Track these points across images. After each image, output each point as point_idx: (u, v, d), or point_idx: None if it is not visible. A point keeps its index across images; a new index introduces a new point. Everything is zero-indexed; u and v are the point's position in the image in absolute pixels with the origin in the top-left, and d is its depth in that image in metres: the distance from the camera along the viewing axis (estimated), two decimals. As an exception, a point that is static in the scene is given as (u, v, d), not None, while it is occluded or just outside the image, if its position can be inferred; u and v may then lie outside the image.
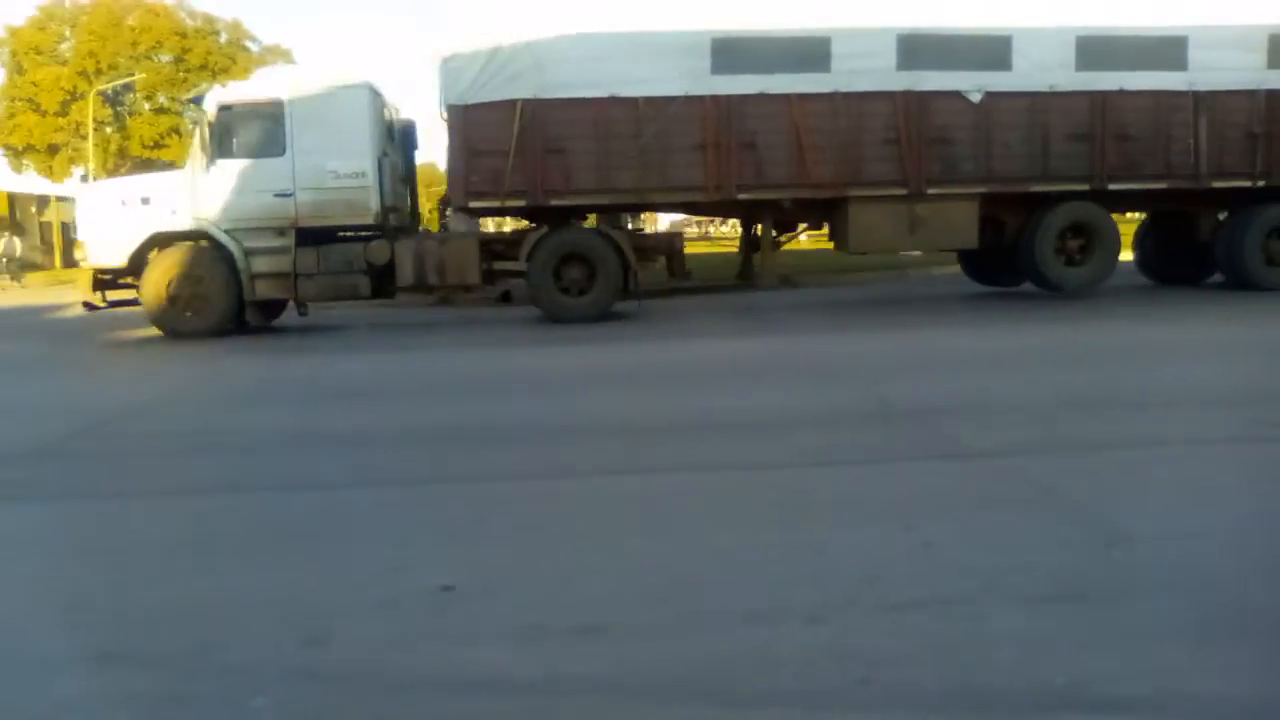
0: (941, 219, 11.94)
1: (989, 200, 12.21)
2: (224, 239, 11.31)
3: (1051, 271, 12.23)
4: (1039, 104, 11.71)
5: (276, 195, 11.27)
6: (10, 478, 4.90)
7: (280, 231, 11.39)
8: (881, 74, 11.48)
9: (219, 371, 9.27)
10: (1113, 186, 12.02)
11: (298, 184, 11.27)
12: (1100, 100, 11.77)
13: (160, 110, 40.91)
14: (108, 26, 39.13)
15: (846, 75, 11.44)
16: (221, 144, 11.27)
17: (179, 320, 11.38)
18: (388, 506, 4.12)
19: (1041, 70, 11.64)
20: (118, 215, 11.35)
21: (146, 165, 35.67)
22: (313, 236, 11.49)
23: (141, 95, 40.95)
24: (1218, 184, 12.16)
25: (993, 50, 11.62)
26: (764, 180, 11.67)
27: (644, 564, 3.29)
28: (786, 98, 11.41)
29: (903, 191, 11.74)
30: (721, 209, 14.00)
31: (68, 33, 40.28)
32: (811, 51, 11.43)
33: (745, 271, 13.26)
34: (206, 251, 11.36)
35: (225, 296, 11.41)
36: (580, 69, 11.14)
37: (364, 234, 11.70)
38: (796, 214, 12.66)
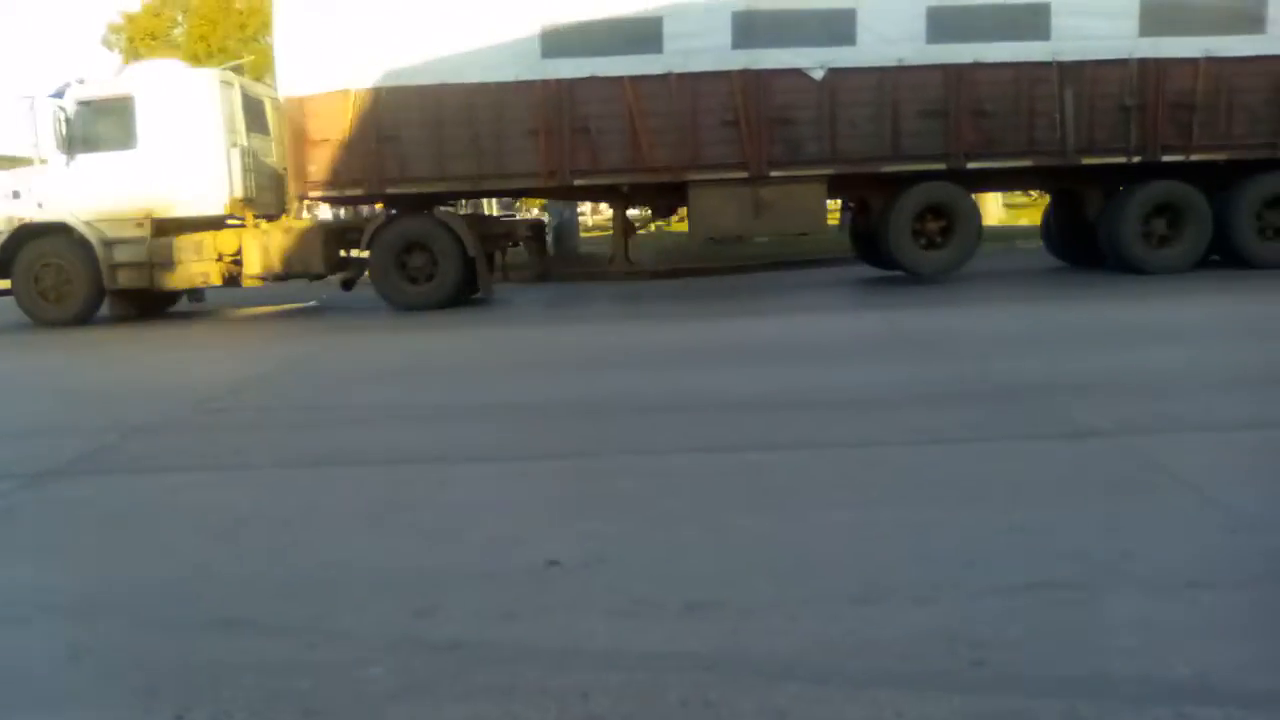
0: (788, 202, 11.58)
1: (849, 181, 11.79)
2: (84, 230, 11.86)
3: (906, 256, 11.74)
4: (887, 80, 11.19)
5: (130, 188, 11.75)
6: (132, 451, 5.16)
7: (138, 223, 11.90)
8: (717, 53, 11.16)
9: (318, 349, 9.42)
10: (971, 165, 11.43)
11: (149, 176, 11.71)
12: (955, 74, 11.18)
13: (278, 91, 43.10)
14: (217, 10, 39.20)
15: (681, 55, 11.17)
16: (80, 138, 11.79)
17: (44, 309, 12.03)
18: (493, 480, 4.21)
19: (889, 44, 11.11)
20: (-4, 209, 12.04)
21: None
22: (173, 227, 11.95)
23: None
24: (1088, 161, 11.43)
25: (836, 24, 11.14)
26: (600, 166, 11.53)
27: (749, 542, 3.28)
28: (619, 80, 11.22)
29: (744, 175, 11.43)
30: (574, 194, 13.90)
31: (180, 18, 40.32)
32: (643, 32, 11.18)
33: (615, 258, 13.11)
34: (67, 242, 11.95)
35: (87, 286, 11.99)
36: (412, 55, 11.19)
37: (229, 223, 12.12)
38: (647, 199, 12.46)
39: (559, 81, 11.25)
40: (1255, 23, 11.10)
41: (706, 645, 2.49)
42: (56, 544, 3.72)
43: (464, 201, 13.70)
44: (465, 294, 12.09)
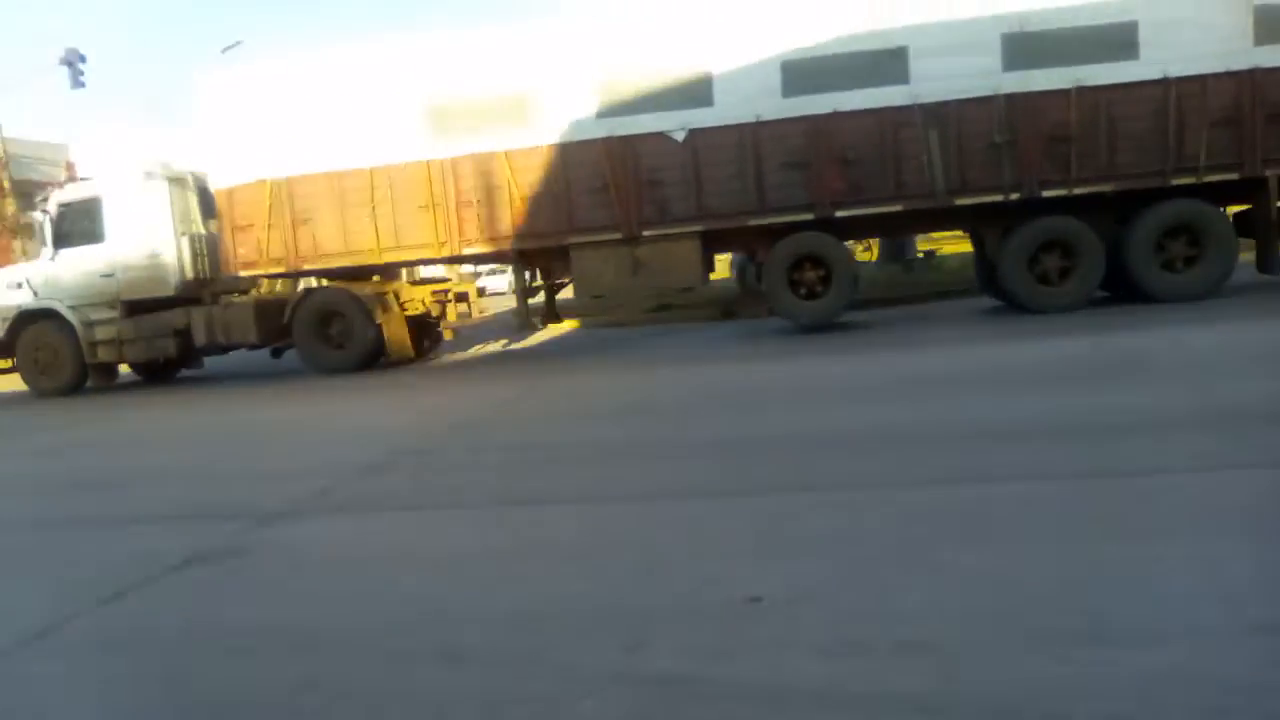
0: (663, 259, 11.85)
1: (725, 236, 11.95)
2: (68, 314, 13.68)
3: (781, 306, 11.73)
4: (745, 135, 11.32)
5: (102, 276, 13.49)
6: (352, 492, 5.47)
7: (111, 305, 13.60)
8: (584, 124, 11.67)
9: (522, 392, 9.57)
10: (840, 214, 11.33)
11: (116, 265, 13.42)
12: (813, 125, 11.17)
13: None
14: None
15: (550, 128, 11.75)
16: (61, 236, 13.65)
17: (39, 381, 13.92)
18: (700, 515, 4.28)
19: (746, 101, 11.25)
20: (2, 298, 14.07)
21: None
22: (141, 307, 13.58)
23: None
24: (961, 201, 11.08)
25: (694, 88, 11.41)
26: (489, 234, 12.22)
27: (964, 578, 3.15)
28: (495, 154, 11.92)
29: (618, 236, 11.82)
30: (467, 260, 14.58)
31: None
32: (516, 108, 11.84)
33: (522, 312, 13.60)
34: (57, 325, 13.78)
35: (72, 361, 13.79)
36: (316, 145, 12.32)
37: (187, 302, 13.63)
38: (538, 262, 13.00)
39: (444, 161, 12.07)
40: (1128, 48, 10.51)
41: (924, 685, 2.41)
42: (284, 581, 3.93)
43: (408, 270, 14.71)
44: (377, 357, 13.05)
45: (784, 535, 3.83)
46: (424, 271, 16.17)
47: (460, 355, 14.62)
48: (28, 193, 27.69)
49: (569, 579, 3.54)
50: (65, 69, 22.42)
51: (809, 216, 11.41)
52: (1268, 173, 10.49)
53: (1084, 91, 10.61)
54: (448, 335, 14.85)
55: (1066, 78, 10.63)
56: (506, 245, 12.30)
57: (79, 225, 13.65)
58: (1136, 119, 10.59)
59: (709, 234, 11.77)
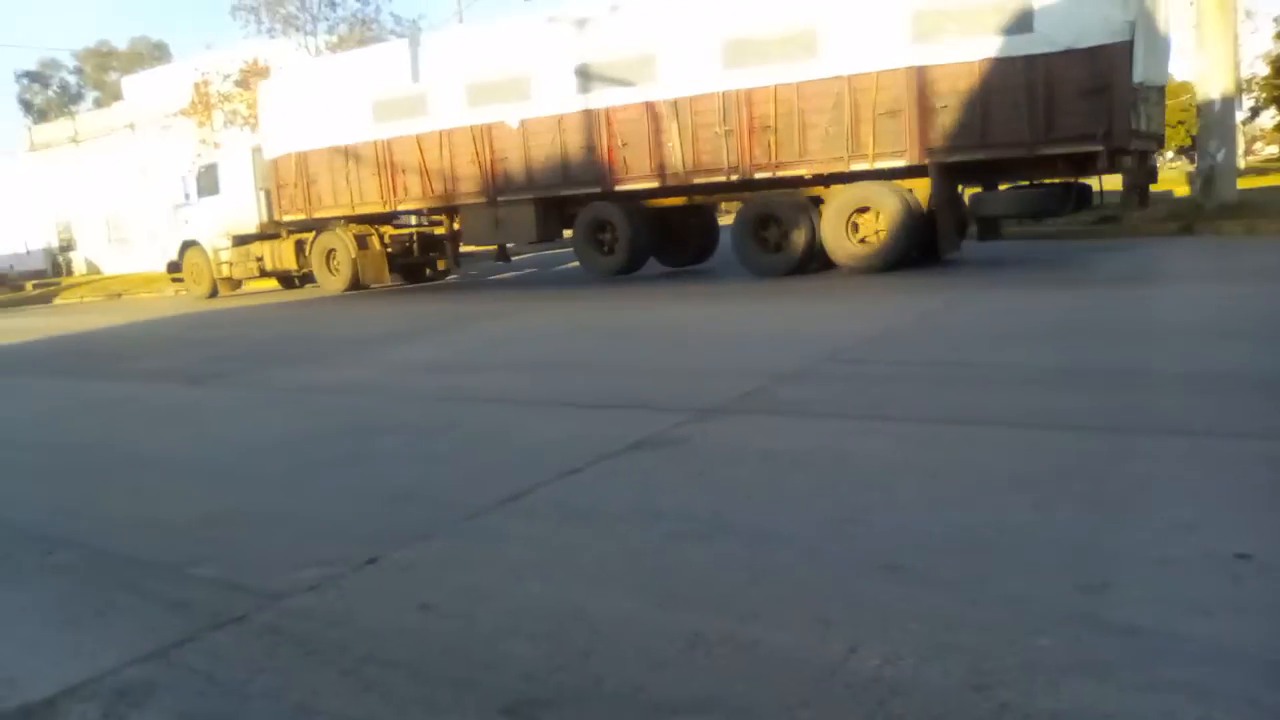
0: (513, 219, 15.37)
1: (551, 203, 15.12)
2: (204, 243, 20.18)
3: (586, 260, 14.79)
4: (554, 125, 14.39)
5: (220, 217, 19.74)
6: (785, 397, 5.49)
7: (225, 237, 19.85)
8: (461, 111, 15.37)
9: (940, 306, 9.04)
10: (619, 188, 14.07)
11: (225, 210, 19.57)
12: (598, 116, 13.96)
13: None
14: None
15: (440, 116, 15.63)
16: (200, 188, 20.06)
17: (186, 290, 20.69)
18: (1177, 456, 3.74)
19: (554, 98, 14.31)
20: (174, 231, 20.95)
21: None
22: (241, 241, 19.69)
23: None
24: (699, 180, 13.34)
25: (520, 87, 14.63)
26: (409, 195, 16.47)
27: None
28: (412, 138, 16.05)
29: (483, 200, 15.51)
30: (398, 216, 18.41)
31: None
32: (415, 105, 15.82)
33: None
34: (199, 251, 20.38)
35: (207, 277, 20.35)
36: (320, 129, 17.28)
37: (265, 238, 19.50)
38: (443, 217, 17.01)
39: (385, 141, 16.44)
40: (808, 49, 12.06)
41: None
42: (723, 473, 4.01)
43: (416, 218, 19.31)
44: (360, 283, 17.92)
45: (1275, 485, 3.38)
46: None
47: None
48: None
49: (1010, 507, 3.28)
50: None
51: (598, 189, 14.28)
52: (927, 160, 11.60)
53: (781, 88, 12.37)
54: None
55: (770, 76, 12.44)
56: (424, 205, 16.59)
57: (207, 183, 20.00)
58: (821, 111, 12.17)
59: (543, 200, 15.05)
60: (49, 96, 69.28)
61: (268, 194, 19.22)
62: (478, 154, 15.33)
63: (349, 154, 16.94)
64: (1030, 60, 10.76)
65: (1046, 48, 10.66)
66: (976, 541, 2.99)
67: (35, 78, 69.03)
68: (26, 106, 68.02)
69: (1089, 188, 12.58)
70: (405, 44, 16.33)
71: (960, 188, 12.45)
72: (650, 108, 13.53)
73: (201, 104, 26.73)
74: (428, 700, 2.34)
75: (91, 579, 3.50)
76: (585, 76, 14.01)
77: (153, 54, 62.28)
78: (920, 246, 12.23)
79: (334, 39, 31.08)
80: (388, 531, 3.64)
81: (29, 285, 33.67)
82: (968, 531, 3.08)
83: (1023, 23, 10.74)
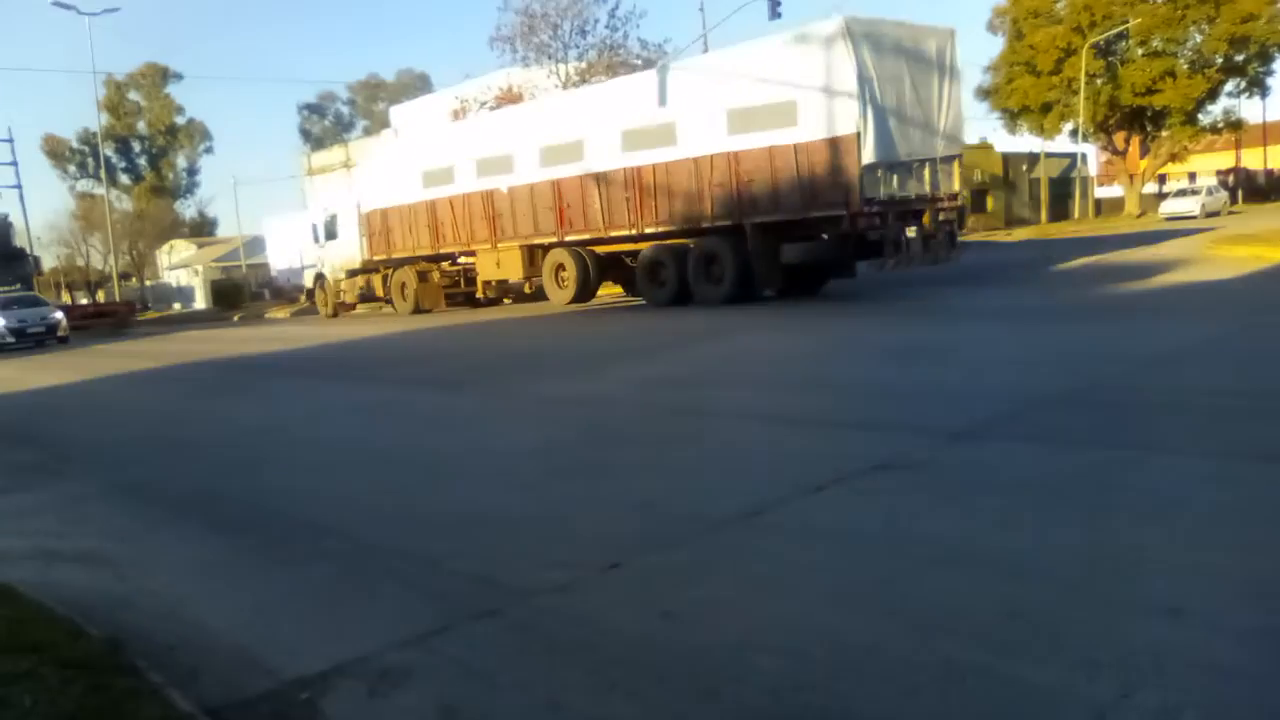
0: (508, 260, 20.33)
1: (532, 249, 19.94)
2: (328, 275, 26.64)
3: (549, 291, 19.56)
4: (528, 190, 19.24)
5: (338, 256, 26.08)
6: (1041, 422, 5.24)
7: (342, 270, 26.17)
8: (474, 180, 20.56)
9: (1214, 335, 8.28)
10: (568, 238, 18.71)
11: (342, 251, 25.88)
12: (554, 184, 18.66)
13: (1154, 54, 42.03)
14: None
15: (461, 184, 20.90)
16: (326, 233, 26.49)
17: (319, 311, 27.22)
18: None
19: (527, 170, 19.18)
20: (308, 266, 27.57)
21: (1135, 115, 42.76)
22: (350, 274, 25.93)
23: (1134, 41, 42.65)
24: (613, 233, 17.72)
25: (507, 163, 19.58)
26: (445, 242, 21.83)
27: None
28: (448, 199, 21.41)
29: (489, 245, 20.62)
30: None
31: (1061, -10, 42.85)
32: (445, 174, 21.16)
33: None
34: (321, 280, 26.86)
35: (332, 301, 26.78)
36: (392, 192, 23.08)
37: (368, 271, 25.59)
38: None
39: (430, 201, 21.94)
40: (671, 138, 16.22)
41: None
42: (974, 501, 3.89)
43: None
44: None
45: None
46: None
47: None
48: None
49: None
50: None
51: (555, 240, 18.98)
52: (745, 221, 15.43)
53: (656, 166, 16.59)
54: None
55: (651, 158, 16.71)
56: (423, 253, 21.95)
57: (329, 230, 26.39)
58: (680, 183, 16.28)
59: (526, 246, 19.93)
60: (325, 125, 76.95)
61: (365, 239, 25.38)
62: (484, 211, 20.48)
63: (410, 211, 22.61)
64: (798, 147, 14.48)
65: (807, 138, 14.35)
66: (1274, 589, 2.79)
67: (314, 109, 77.86)
68: (305, 135, 76.17)
69: (954, 232, 15.91)
70: (441, 128, 21.84)
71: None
72: (582, 179, 18.11)
73: None
74: (672, 707, 2.42)
75: (357, 567, 3.77)
76: (543, 155, 18.81)
77: (416, 84, 68.87)
78: (746, 285, 15.98)
79: (583, 65, 31.16)
80: (630, 539, 3.74)
81: (302, 297, 39.05)
82: (1265, 577, 2.87)
83: (792, 118, 14.48)
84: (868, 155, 13.93)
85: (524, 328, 16.77)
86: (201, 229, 73.00)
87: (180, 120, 70.96)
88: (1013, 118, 46.37)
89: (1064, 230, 36.32)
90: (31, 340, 25.80)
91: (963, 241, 17.11)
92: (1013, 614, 2.74)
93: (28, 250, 38.55)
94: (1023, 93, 44.00)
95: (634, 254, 17.85)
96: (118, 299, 43.93)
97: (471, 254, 22.17)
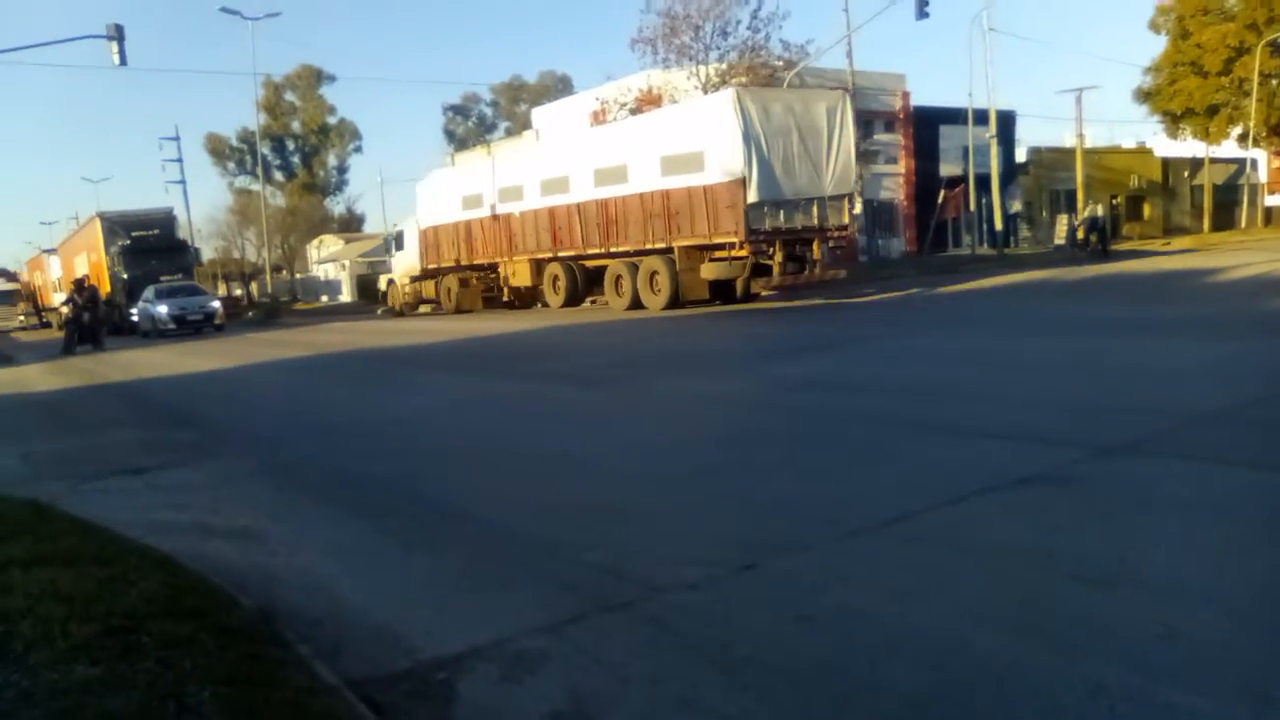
0: (518, 270, 24.64)
1: (541, 263, 24.16)
2: (399, 280, 31.72)
3: (544, 298, 23.75)
4: (533, 215, 23.52)
5: (404, 264, 31.11)
6: (1199, 440, 5.01)
7: (407, 276, 31.17)
8: (495, 206, 24.99)
9: None
10: (560, 254, 22.85)
11: (407, 260, 30.88)
12: (550, 211, 22.87)
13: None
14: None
15: (485, 209, 25.36)
16: (396, 245, 31.55)
17: (388, 309, 32.37)
18: None
19: (533, 199, 23.45)
20: (381, 273, 32.73)
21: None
22: (412, 279, 30.87)
23: None
24: (590, 250, 21.74)
25: (519, 192, 23.91)
26: (476, 255, 26.35)
27: None
28: (479, 220, 25.93)
29: (508, 259, 25.00)
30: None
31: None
32: (513, 194, 25.67)
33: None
34: (393, 285, 31.96)
35: (399, 302, 31.84)
36: (439, 212, 27.81)
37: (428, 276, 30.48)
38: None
39: (465, 222, 26.52)
40: (624, 177, 20.14)
41: None
42: (1126, 519, 3.75)
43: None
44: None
45: None
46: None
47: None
48: (869, 121, 35.20)
49: None
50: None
51: (551, 255, 23.17)
52: (674, 244, 19.20)
53: (616, 199, 20.54)
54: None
55: (625, 189, 20.67)
56: (466, 261, 26.45)
57: (398, 242, 31.46)
58: (632, 213, 20.18)
59: (533, 260, 24.20)
60: (468, 126, 76.85)
61: (421, 251, 30.26)
62: (501, 232, 24.90)
63: (453, 228, 27.34)
64: (706, 188, 18.23)
65: (713, 180, 18.11)
66: None
67: (458, 110, 77.88)
68: (450, 135, 76.16)
69: (807, 255, 19.33)
70: (474, 162, 26.43)
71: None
72: (569, 208, 22.24)
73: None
74: (806, 711, 2.37)
75: (495, 554, 3.92)
76: (543, 188, 23.08)
77: (558, 86, 68.84)
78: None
79: (723, 66, 30.89)
80: (765, 540, 3.73)
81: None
82: None
83: (701, 165, 18.27)
84: (752, 195, 17.56)
85: (634, 329, 16.50)
86: (349, 225, 74.50)
87: (331, 120, 72.21)
88: (1174, 121, 43.50)
89: (1226, 240, 34.94)
90: (191, 327, 27.75)
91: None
92: (1168, 636, 2.65)
93: (190, 243, 40.21)
94: (1187, 94, 41.19)
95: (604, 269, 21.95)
96: (269, 290, 50.00)
97: (496, 265, 26.67)
